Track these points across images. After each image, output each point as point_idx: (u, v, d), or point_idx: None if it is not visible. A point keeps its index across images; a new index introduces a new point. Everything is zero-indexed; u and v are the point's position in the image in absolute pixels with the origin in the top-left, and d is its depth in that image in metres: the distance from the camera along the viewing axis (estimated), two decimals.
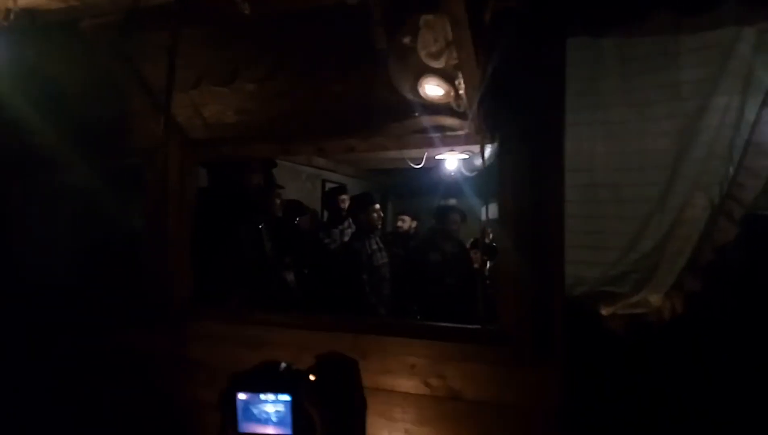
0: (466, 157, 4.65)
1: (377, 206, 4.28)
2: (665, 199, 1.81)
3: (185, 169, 2.41)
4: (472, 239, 4.95)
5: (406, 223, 5.83)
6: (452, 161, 4.97)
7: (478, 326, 1.88)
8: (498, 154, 2.04)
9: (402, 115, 2.13)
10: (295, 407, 1.25)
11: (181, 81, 2.16)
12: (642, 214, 1.84)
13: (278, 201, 3.50)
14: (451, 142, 2.04)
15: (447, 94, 2.04)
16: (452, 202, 4.88)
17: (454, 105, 2.08)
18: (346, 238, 4.36)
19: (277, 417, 1.28)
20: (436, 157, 4.97)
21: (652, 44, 1.82)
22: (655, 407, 1.94)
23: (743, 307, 1.87)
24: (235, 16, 1.70)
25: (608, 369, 1.90)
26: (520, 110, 1.91)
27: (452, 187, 5.64)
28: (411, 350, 1.91)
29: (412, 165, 5.04)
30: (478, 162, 4.57)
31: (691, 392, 1.96)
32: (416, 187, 6.68)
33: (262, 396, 1.30)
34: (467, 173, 4.94)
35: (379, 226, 4.38)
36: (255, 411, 1.30)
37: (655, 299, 1.77)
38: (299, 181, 5.87)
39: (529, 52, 1.89)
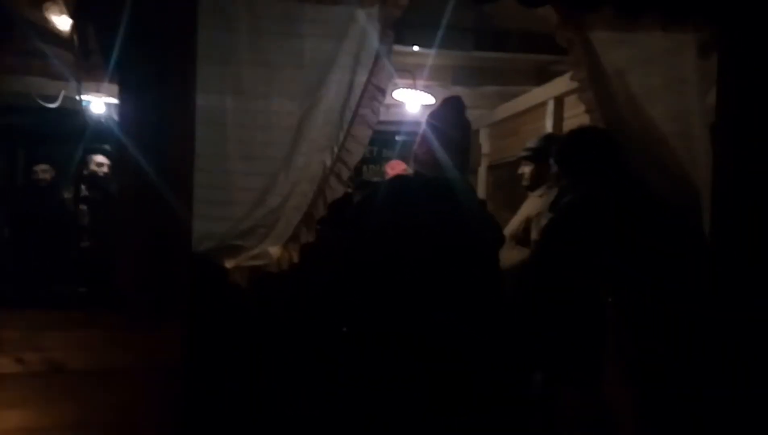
0: (117, 101, 4.21)
1: None
2: (290, 158, 1.98)
3: None
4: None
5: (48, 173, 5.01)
6: (98, 104, 4.45)
7: (87, 288, 1.74)
8: (119, 97, 1.89)
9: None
10: None
11: None
12: (269, 171, 1.97)
13: None
14: (60, 75, 1.78)
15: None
16: None
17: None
18: None
19: None
20: (80, 98, 4.36)
21: (281, 8, 1.94)
22: (281, 355, 2.15)
23: (354, 254, 2.22)
24: None
25: (235, 322, 2.01)
26: (146, 51, 1.80)
27: (102, 133, 5.06)
28: None
29: (43, 103, 4.29)
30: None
31: (311, 337, 2.24)
32: (55, 132, 5.74)
33: None
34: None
35: None
36: None
37: (274, 251, 1.94)
38: None
39: None
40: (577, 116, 3.20)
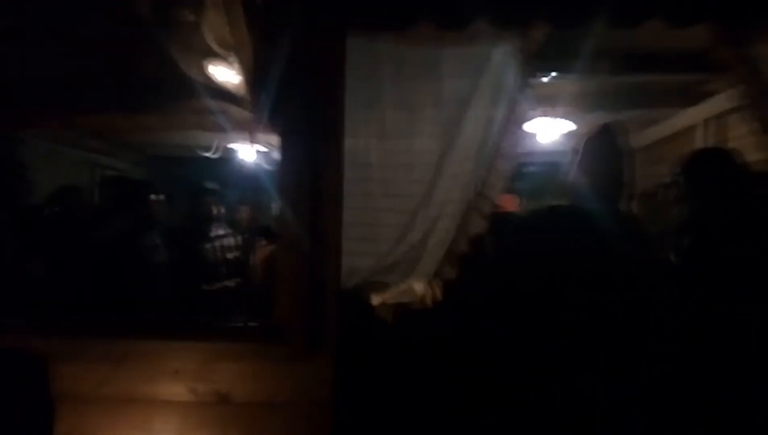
0: (266, 149, 4.61)
1: (159, 197, 4.01)
2: (430, 195, 2.03)
3: None
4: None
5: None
6: (248, 152, 4.88)
7: (249, 322, 1.89)
8: (279, 146, 2.07)
9: (177, 93, 2.03)
10: None
11: None
12: (410, 208, 2.03)
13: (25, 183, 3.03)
14: (226, 128, 2.00)
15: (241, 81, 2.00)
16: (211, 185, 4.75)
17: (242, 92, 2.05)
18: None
19: None
20: (229, 147, 4.84)
21: (421, 53, 2.03)
22: (425, 393, 2.16)
23: (495, 293, 2.20)
24: None
25: (381, 358, 2.06)
26: (301, 103, 1.96)
27: (251, 180, 5.53)
28: (174, 353, 1.81)
29: (202, 153, 4.83)
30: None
31: (456, 375, 2.23)
32: (209, 180, 6.40)
33: None
34: (268, 167, 4.89)
35: (160, 219, 4.10)
36: None
37: (419, 287, 1.97)
38: (62, 165, 5.13)
39: (310, 46, 1.96)
40: (736, 138, 2.92)
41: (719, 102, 2.99)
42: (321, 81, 1.97)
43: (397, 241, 2.02)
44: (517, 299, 2.00)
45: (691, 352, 2.01)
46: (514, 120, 2.02)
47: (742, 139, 2.76)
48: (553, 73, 3.18)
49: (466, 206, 1.99)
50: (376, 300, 1.96)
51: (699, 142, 3.43)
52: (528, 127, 3.92)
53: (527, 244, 2.07)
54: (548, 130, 3.86)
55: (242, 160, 4.92)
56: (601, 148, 2.05)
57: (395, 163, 2.04)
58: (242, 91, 1.92)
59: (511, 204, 3.86)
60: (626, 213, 2.32)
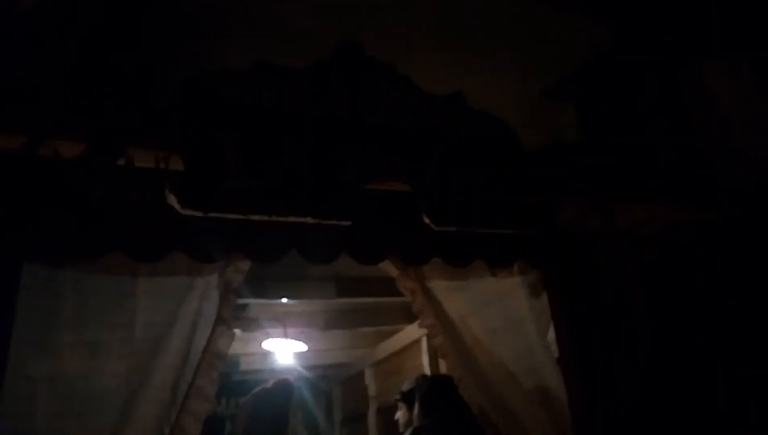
0: None
1: None
2: None
3: None
4: None
5: None
6: None
7: None
8: None
9: None
10: None
11: None
12: None
13: None
14: None
15: None
16: None
17: None
18: None
19: None
20: None
21: (112, 283, 1.95)
22: None
23: None
24: None
25: None
26: None
27: None
28: None
29: None
30: None
31: None
32: None
33: None
34: None
35: None
36: None
37: None
38: None
39: None
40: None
41: None
42: None
43: None
44: None
45: None
46: (213, 354, 1.99)
47: None
48: (282, 298, 3.35)
49: None
50: None
51: (424, 354, 3.81)
52: (267, 346, 3.96)
53: None
54: (285, 350, 3.94)
55: None
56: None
57: (68, 410, 1.79)
58: None
59: None
60: None
